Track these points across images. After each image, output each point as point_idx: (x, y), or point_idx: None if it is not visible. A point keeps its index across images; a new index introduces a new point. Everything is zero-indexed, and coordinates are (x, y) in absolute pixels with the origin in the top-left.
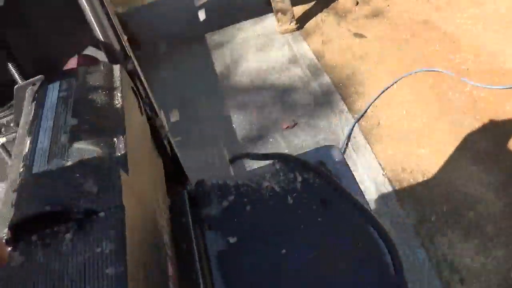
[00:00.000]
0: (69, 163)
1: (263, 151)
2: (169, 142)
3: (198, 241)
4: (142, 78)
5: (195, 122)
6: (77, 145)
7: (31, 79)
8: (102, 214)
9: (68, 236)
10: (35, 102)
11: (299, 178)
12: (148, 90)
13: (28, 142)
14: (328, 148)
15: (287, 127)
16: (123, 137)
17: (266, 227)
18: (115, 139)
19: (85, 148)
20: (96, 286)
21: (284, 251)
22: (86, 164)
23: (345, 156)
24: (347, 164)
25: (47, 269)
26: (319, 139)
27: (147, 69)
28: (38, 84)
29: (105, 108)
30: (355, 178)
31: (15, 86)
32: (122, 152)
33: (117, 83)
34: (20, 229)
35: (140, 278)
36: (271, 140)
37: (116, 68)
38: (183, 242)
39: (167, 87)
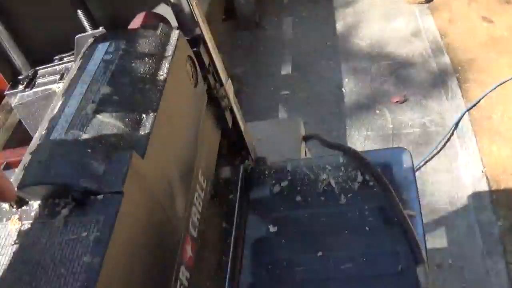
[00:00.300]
0: (85, 136)
1: (367, 121)
2: (233, 114)
3: (240, 222)
4: (210, 45)
5: (305, 78)
6: (100, 117)
7: (93, 31)
8: (100, 197)
9: (64, 211)
10: (81, 60)
11: (359, 179)
12: (216, 58)
13: (60, 103)
14: (400, 151)
15: (397, 101)
16: (154, 114)
17: (310, 224)
18: (144, 115)
19: (107, 122)
20: (70, 271)
21: (320, 253)
22: (102, 139)
23: (448, 144)
24: (415, 174)
25: (35, 241)
26: (426, 120)
27: (267, 16)
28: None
29: (146, 79)
30: (417, 192)
31: (77, 36)
32: (146, 131)
33: (169, 51)
34: (25, 194)
35: (128, 268)
36: (377, 111)
37: (174, 34)
38: (224, 221)
39: (284, 37)
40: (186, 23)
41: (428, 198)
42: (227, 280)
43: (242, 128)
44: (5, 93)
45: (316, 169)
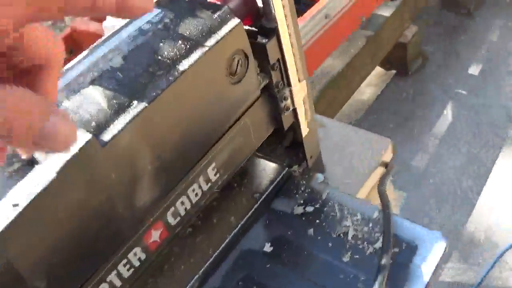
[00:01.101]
0: (65, 104)
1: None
2: (296, 116)
3: (245, 226)
4: (285, 42)
5: (486, 86)
6: (92, 89)
7: None
8: (39, 166)
9: (16, 165)
10: (130, 20)
11: (377, 245)
12: (291, 57)
13: (79, 59)
14: (436, 235)
15: None
16: (144, 105)
17: (302, 263)
18: (135, 102)
19: (94, 97)
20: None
21: None
22: (77, 113)
23: None
24: (435, 271)
25: None
26: None
27: (483, 7)
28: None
29: (164, 64)
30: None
31: None
32: (125, 121)
33: (212, 41)
34: None
35: (38, 239)
36: None
37: (232, 22)
38: (234, 216)
39: (487, 36)
40: (266, 12)
41: None
42: (199, 273)
43: (304, 133)
44: (103, 24)
45: (346, 211)
